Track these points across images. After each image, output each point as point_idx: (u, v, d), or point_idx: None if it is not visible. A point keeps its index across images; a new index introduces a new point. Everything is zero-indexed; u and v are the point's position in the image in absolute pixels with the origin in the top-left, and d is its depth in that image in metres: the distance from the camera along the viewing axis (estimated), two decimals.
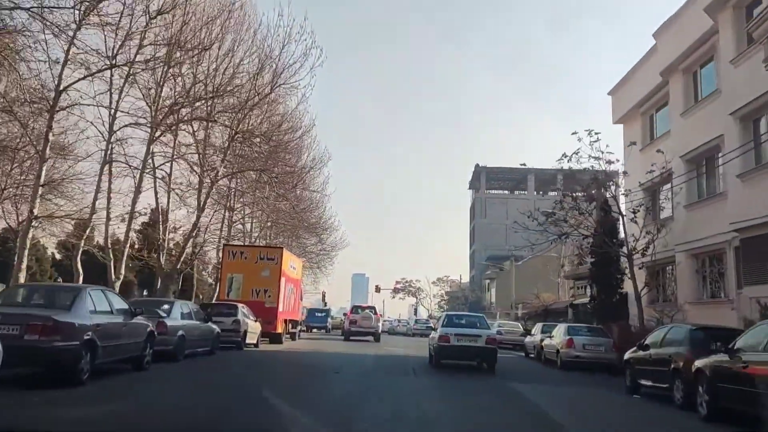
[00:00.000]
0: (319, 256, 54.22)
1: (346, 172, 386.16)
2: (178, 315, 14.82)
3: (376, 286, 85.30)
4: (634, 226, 21.80)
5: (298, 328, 30.61)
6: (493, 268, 79.99)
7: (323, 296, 69.39)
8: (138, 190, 20.90)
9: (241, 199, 31.94)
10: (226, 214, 30.62)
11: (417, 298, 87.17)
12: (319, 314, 51.02)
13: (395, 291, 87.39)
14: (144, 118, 20.37)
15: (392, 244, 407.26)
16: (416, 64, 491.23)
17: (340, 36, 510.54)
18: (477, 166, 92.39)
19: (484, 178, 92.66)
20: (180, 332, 14.37)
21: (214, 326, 17.22)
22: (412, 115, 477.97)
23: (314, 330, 49.32)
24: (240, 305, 20.42)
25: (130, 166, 20.99)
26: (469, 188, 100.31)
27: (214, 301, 24.32)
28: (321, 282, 59.20)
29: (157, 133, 20.87)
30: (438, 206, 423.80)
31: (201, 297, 35.31)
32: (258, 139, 24.24)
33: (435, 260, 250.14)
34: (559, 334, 20.26)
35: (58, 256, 38.67)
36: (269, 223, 36.62)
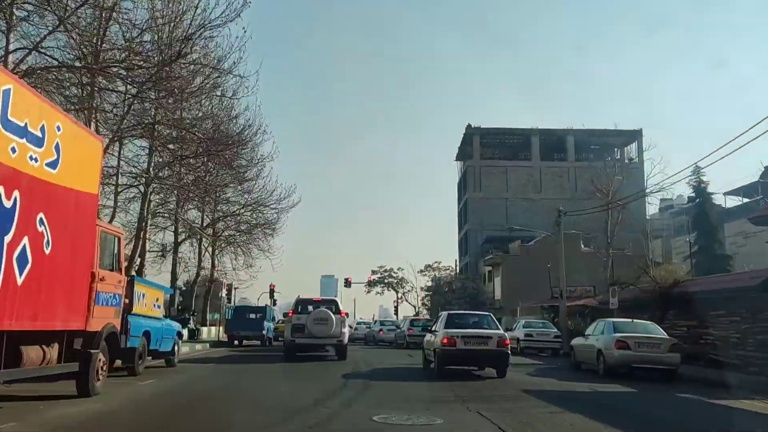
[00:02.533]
0: (254, 227, 34.69)
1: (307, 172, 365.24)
2: None
3: (346, 280, 65.62)
4: None
5: (100, 362, 9.68)
6: (496, 252, 61.79)
7: (271, 291, 49.52)
8: None
9: None
10: None
11: (398, 292, 67.76)
12: (252, 316, 31.41)
13: (370, 284, 67.80)
14: None
15: (364, 246, 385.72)
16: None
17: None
18: (469, 126, 74.01)
19: (478, 143, 74.12)
20: None
21: None
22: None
23: (240, 342, 30.19)
24: None
25: None
26: (457, 160, 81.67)
27: None
28: (262, 267, 38.91)
29: None
30: (415, 192, 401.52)
31: None
32: None
33: (417, 253, 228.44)
34: None
35: None
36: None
